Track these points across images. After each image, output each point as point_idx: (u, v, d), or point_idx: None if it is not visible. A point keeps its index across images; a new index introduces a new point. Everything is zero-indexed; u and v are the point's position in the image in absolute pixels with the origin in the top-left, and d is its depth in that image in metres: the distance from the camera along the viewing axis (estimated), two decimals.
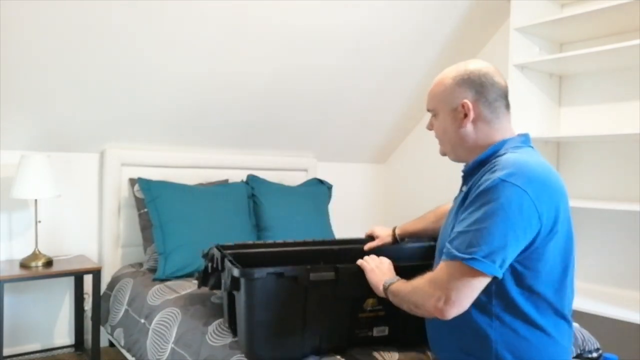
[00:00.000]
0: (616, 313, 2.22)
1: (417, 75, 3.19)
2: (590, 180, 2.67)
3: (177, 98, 2.64)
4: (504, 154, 1.20)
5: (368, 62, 2.94)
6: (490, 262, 1.06)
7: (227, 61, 2.56)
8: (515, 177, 1.09)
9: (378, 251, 1.67)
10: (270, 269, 1.40)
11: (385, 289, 1.31)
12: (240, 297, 1.44)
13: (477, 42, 3.15)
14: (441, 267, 1.14)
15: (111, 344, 2.66)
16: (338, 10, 2.54)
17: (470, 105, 1.25)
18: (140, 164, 2.77)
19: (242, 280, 1.41)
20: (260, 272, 1.39)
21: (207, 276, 1.79)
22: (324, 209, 3.08)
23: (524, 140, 1.27)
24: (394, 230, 1.81)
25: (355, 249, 1.84)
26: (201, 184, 2.83)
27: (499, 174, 1.10)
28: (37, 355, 2.58)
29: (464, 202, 1.19)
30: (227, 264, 1.51)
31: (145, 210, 2.58)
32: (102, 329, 2.49)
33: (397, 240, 1.80)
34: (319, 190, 3.14)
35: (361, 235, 1.94)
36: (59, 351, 2.63)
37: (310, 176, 3.38)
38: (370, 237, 1.86)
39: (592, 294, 2.49)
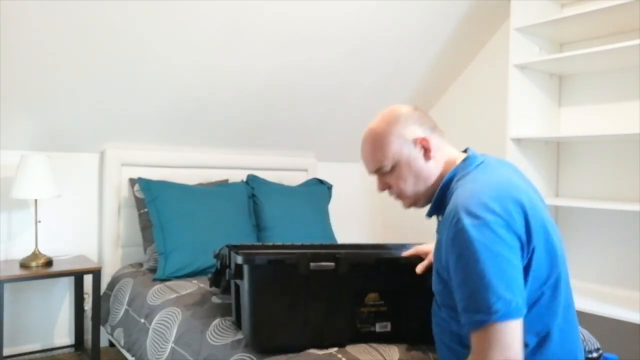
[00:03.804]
0: (616, 313, 2.22)
1: (417, 75, 3.19)
2: (590, 180, 2.67)
3: (177, 98, 2.65)
4: (457, 186, 1.15)
5: (368, 62, 2.94)
6: (514, 305, 1.00)
7: (227, 61, 2.56)
8: (475, 217, 1.02)
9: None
10: (272, 257, 1.46)
11: None
12: (244, 285, 1.47)
13: (477, 42, 3.15)
14: (478, 342, 1.02)
15: (111, 344, 2.66)
16: (338, 10, 2.54)
17: (428, 139, 1.22)
18: (140, 164, 2.77)
19: (245, 267, 1.44)
20: (261, 259, 1.44)
21: (219, 276, 1.80)
22: (324, 209, 3.08)
23: (470, 159, 1.21)
24: None
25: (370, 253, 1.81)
26: (201, 184, 2.83)
27: (463, 220, 1.03)
28: (37, 355, 2.58)
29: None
30: (232, 254, 1.55)
31: (145, 210, 2.58)
32: (102, 329, 2.49)
33: None
34: (319, 190, 3.14)
35: (359, 234, 1.92)
36: (59, 351, 2.63)
37: (310, 176, 3.39)
38: (419, 257, 1.61)
39: (592, 294, 2.49)
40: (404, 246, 1.85)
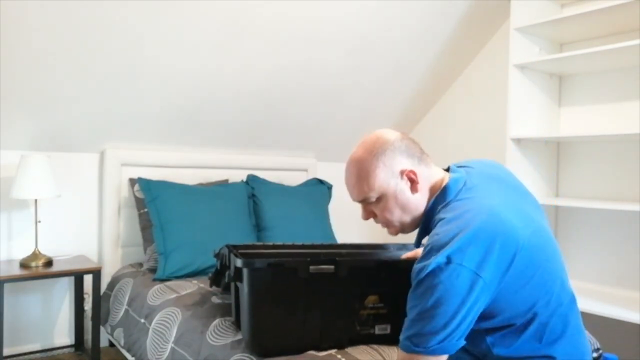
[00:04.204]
0: (616, 313, 2.22)
1: (417, 75, 3.18)
2: (590, 180, 2.67)
3: (177, 98, 2.64)
4: (438, 217, 1.13)
5: (368, 62, 2.94)
6: (447, 343, 1.02)
7: (227, 61, 2.56)
8: (445, 257, 1.01)
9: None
10: (271, 260, 1.45)
11: None
12: (243, 288, 1.47)
13: (477, 42, 3.15)
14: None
15: (111, 344, 2.66)
16: (338, 10, 2.54)
17: (415, 170, 1.18)
18: (140, 164, 2.77)
19: (245, 271, 1.44)
20: (261, 262, 1.44)
21: (219, 276, 1.80)
22: (324, 209, 3.08)
23: (449, 188, 1.17)
24: None
25: (370, 254, 1.82)
26: (201, 184, 2.83)
27: (433, 257, 1.03)
28: (37, 355, 2.58)
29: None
30: (232, 256, 1.55)
31: (145, 210, 2.58)
32: (102, 329, 2.49)
33: None
34: (319, 190, 3.14)
35: (359, 234, 1.93)
36: (59, 351, 2.63)
37: (310, 176, 3.39)
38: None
39: (592, 294, 2.49)
40: (404, 246, 1.85)
